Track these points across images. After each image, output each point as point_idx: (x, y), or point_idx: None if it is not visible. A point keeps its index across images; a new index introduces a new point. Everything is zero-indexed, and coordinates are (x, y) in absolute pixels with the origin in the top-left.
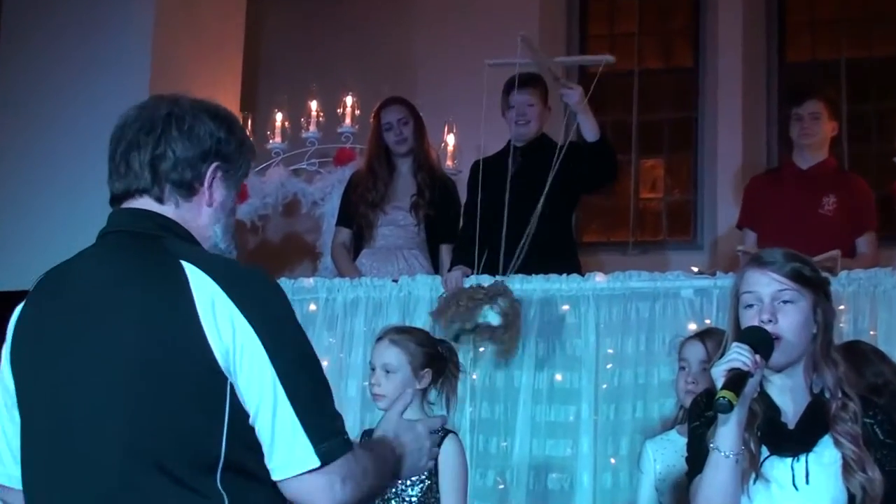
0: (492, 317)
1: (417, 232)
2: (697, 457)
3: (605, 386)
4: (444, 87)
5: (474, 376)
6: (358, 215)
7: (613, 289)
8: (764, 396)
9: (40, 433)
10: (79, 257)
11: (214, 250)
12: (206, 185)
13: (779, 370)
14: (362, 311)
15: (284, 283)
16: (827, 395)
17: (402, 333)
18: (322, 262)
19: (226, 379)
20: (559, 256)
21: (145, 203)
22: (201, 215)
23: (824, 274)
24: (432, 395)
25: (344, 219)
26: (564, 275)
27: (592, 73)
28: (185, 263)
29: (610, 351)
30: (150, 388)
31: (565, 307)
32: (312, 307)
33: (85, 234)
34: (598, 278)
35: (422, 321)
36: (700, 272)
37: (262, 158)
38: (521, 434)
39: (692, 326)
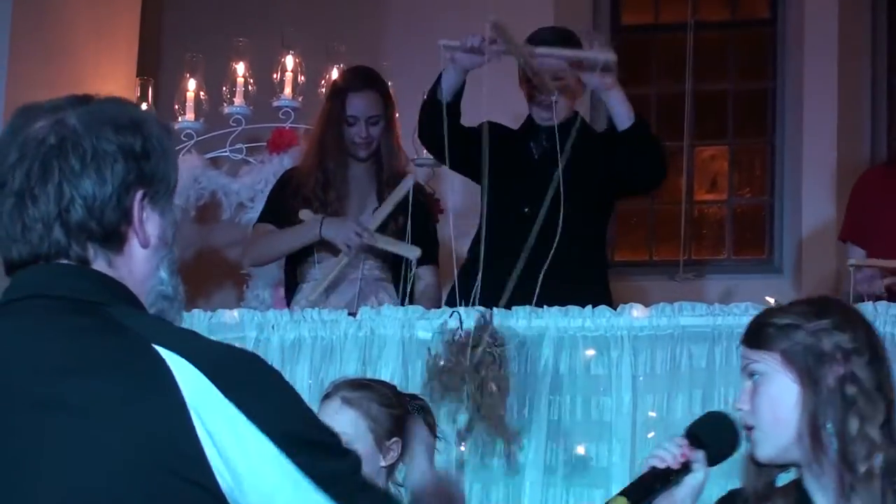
0: None
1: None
2: None
3: None
4: (420, 45)
5: (463, 447)
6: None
7: (657, 327)
8: (799, 494)
9: None
10: None
11: (162, 302)
12: (136, 222)
13: (779, 466)
14: (306, 356)
15: (198, 315)
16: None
17: (359, 390)
18: (250, 287)
19: None
20: (585, 282)
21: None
22: (137, 263)
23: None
24: (401, 473)
25: (271, 215)
26: (589, 307)
27: (630, 27)
28: (161, 350)
29: (652, 414)
30: None
31: (590, 352)
32: None
33: None
34: (636, 312)
35: (389, 371)
36: (778, 304)
37: None
38: None
39: None
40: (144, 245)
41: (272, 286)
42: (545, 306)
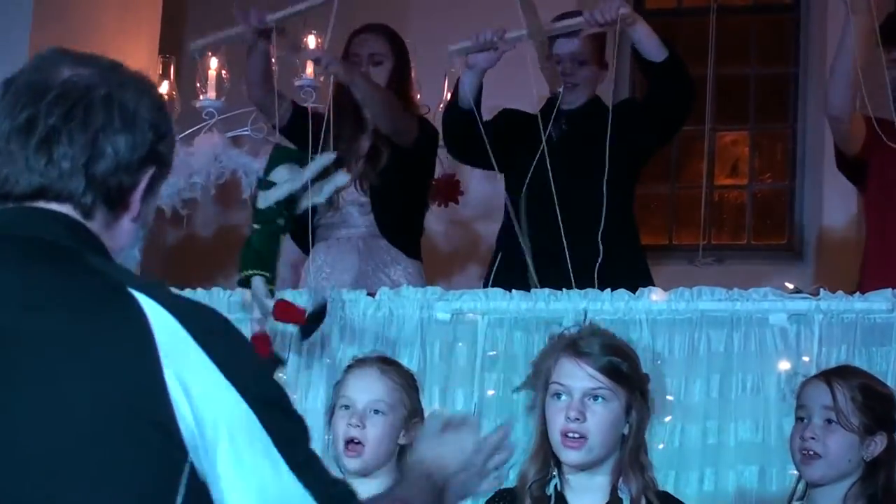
0: None
1: None
2: None
3: (661, 446)
4: (446, 22)
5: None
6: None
7: (676, 311)
8: (559, 499)
9: None
10: None
11: None
12: (138, 195)
13: (581, 469)
14: (325, 335)
15: (218, 294)
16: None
17: (393, 366)
18: None
19: (185, 457)
20: (624, 261)
21: (64, 210)
22: (122, 233)
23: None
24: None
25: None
26: (608, 290)
27: (653, 11)
28: (137, 294)
29: (669, 398)
30: (80, 471)
31: None
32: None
33: None
34: (655, 296)
35: (407, 352)
36: (798, 290)
37: (190, 121)
38: None
39: (784, 365)
40: (134, 219)
41: (291, 265)
42: (574, 287)
